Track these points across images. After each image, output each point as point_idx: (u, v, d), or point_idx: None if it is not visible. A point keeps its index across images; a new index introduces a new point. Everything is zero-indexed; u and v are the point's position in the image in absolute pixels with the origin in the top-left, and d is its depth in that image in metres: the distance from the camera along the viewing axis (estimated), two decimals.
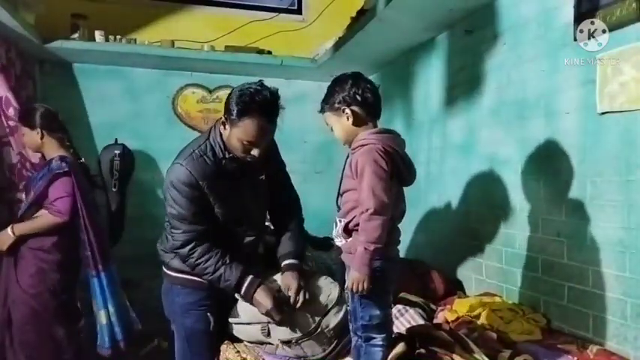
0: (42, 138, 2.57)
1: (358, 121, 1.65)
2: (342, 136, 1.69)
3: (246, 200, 1.98)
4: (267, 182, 2.04)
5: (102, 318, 2.62)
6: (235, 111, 1.78)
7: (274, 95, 1.83)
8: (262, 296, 1.88)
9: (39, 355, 2.51)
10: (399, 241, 1.69)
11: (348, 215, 1.61)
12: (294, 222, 2.12)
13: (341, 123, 1.67)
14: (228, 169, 1.91)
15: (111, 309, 2.64)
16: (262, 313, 1.89)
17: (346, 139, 1.69)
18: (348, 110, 1.64)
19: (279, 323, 1.89)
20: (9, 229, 2.49)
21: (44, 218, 2.48)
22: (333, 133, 1.73)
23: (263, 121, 1.80)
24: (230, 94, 1.85)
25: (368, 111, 1.66)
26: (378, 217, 1.49)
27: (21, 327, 2.50)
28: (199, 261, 1.89)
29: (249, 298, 1.90)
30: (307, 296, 1.91)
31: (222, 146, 1.89)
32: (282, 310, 1.87)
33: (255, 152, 1.85)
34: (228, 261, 1.90)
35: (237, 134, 1.81)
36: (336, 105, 1.66)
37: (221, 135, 1.89)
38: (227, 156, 1.89)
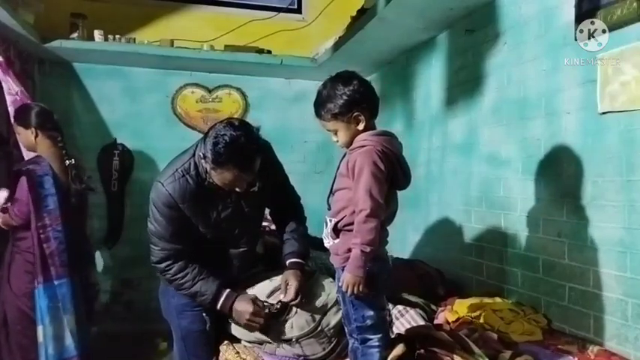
0: (36, 137, 2.55)
1: (368, 125, 1.57)
2: (348, 141, 1.59)
3: (234, 217, 1.92)
4: (261, 191, 1.94)
5: (39, 334, 2.43)
6: (210, 159, 1.70)
7: (251, 143, 1.72)
8: (242, 304, 1.86)
9: (33, 356, 2.47)
10: (387, 242, 1.66)
11: (339, 215, 1.58)
12: (297, 223, 2.10)
13: (350, 129, 1.57)
14: (212, 189, 1.84)
15: (47, 327, 2.43)
16: (244, 323, 1.86)
17: (350, 144, 1.59)
18: (361, 116, 1.55)
19: (265, 330, 1.87)
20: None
21: (6, 217, 2.47)
22: (336, 137, 1.61)
23: (239, 172, 1.72)
24: (207, 133, 1.76)
25: (374, 112, 1.61)
26: (373, 220, 1.46)
27: (13, 327, 2.49)
28: (175, 277, 1.88)
29: (227, 311, 1.89)
30: (302, 298, 1.88)
31: (206, 168, 1.80)
32: (264, 315, 1.85)
33: (237, 189, 1.80)
34: (204, 276, 1.88)
35: (216, 177, 1.76)
36: (345, 110, 1.54)
37: None
38: (209, 179, 1.80)
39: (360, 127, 1.57)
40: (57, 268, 2.47)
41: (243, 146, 1.70)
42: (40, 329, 2.43)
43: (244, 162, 1.72)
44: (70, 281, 2.51)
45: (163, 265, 1.89)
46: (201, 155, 1.76)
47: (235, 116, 3.77)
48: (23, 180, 2.45)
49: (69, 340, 2.49)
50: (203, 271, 1.89)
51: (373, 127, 1.61)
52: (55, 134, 2.61)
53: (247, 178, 1.78)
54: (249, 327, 1.88)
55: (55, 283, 2.46)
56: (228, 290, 1.89)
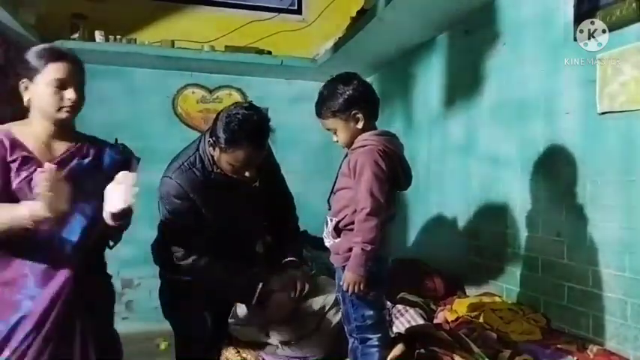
0: None
1: (367, 124, 1.58)
2: (348, 141, 1.60)
3: (239, 209, 1.93)
4: (261, 187, 1.97)
5: None
6: (223, 139, 1.72)
7: (263, 120, 1.77)
8: (276, 301, 1.89)
9: None
10: (389, 243, 1.67)
11: (340, 214, 1.58)
12: (291, 222, 2.13)
13: (349, 127, 1.58)
14: (219, 181, 1.86)
15: None
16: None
17: (350, 143, 1.60)
18: (360, 114, 1.57)
19: (280, 321, 1.90)
20: None
21: None
22: (336, 137, 1.63)
23: (252, 149, 1.74)
24: (217, 117, 1.78)
25: (373, 113, 1.62)
26: (374, 218, 1.47)
27: None
28: (203, 274, 1.89)
29: (264, 300, 1.90)
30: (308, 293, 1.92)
31: (211, 159, 1.83)
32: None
33: (247, 173, 1.81)
34: (234, 272, 1.89)
35: (227, 159, 1.77)
36: (344, 108, 1.56)
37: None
38: (216, 170, 1.84)
39: (359, 125, 1.58)
40: None
41: (255, 123, 1.74)
42: None
43: (257, 139, 1.76)
44: None
45: (190, 260, 1.88)
46: (211, 141, 1.78)
47: None
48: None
49: None
50: (229, 266, 1.90)
51: (373, 128, 1.62)
52: None
53: (258, 158, 1.80)
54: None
55: None
56: (260, 284, 1.90)
